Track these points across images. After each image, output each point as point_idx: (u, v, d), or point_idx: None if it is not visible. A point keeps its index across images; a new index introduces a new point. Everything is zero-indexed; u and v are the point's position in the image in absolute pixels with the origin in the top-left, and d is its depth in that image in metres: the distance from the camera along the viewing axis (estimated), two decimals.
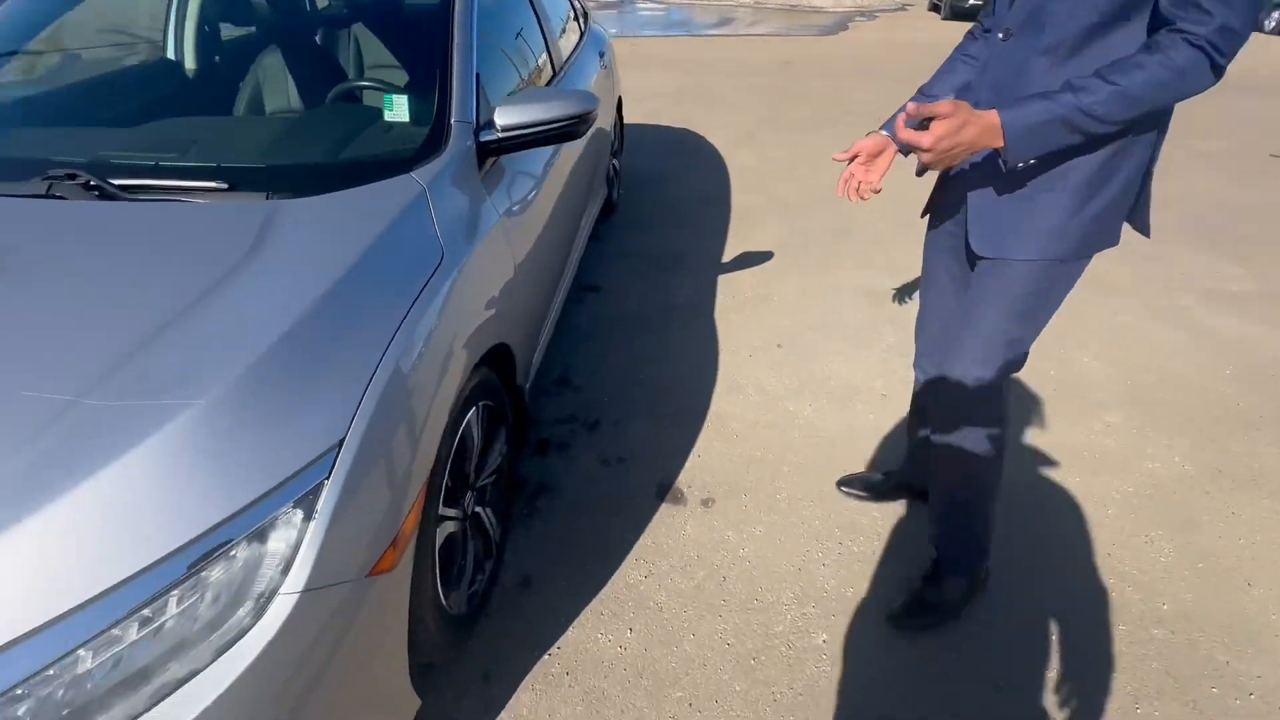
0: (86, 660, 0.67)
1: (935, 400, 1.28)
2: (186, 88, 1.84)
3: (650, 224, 3.50)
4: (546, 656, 1.39)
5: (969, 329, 1.14)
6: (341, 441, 0.86)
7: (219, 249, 1.05)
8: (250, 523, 0.77)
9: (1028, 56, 0.98)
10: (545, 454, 1.94)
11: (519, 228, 1.55)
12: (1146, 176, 1.05)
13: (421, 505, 1.01)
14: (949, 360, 1.18)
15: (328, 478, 0.83)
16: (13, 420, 0.77)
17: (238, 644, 0.74)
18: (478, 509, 1.42)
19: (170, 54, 1.92)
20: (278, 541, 0.79)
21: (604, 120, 2.86)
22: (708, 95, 6.60)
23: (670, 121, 5.50)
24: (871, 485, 1.75)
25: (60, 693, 0.66)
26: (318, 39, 1.96)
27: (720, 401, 2.17)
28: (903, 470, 1.70)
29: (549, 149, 1.89)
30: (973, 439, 1.21)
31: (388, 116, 1.43)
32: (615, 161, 3.55)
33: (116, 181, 1.18)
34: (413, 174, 1.27)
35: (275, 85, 1.66)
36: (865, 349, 2.44)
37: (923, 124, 0.93)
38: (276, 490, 0.80)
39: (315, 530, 0.81)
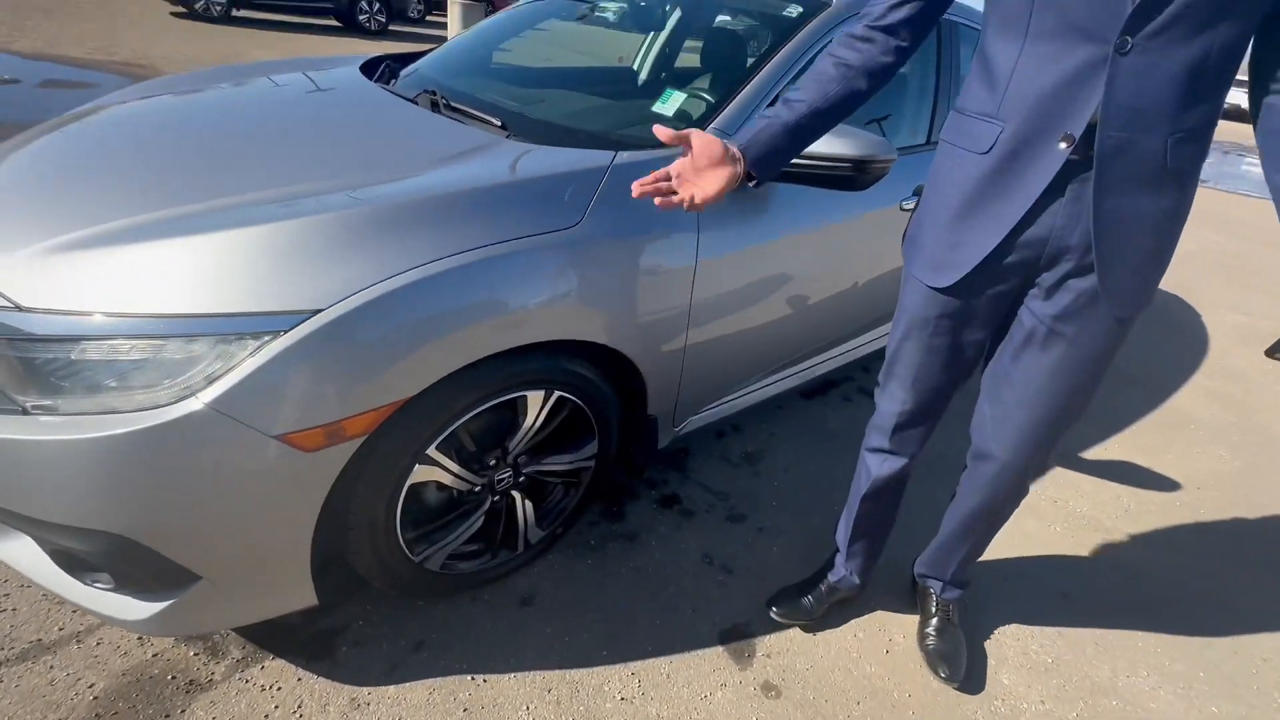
0: (80, 350, 0.87)
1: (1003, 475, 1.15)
2: (579, 75, 2.21)
3: None
4: (470, 679, 1.23)
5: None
6: (317, 312, 0.90)
7: (432, 152, 1.25)
8: (216, 329, 0.88)
9: (1169, 73, 0.77)
10: (666, 508, 1.70)
11: (725, 259, 1.36)
12: None
13: (382, 419, 0.98)
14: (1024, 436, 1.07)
15: (285, 331, 0.89)
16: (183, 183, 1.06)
17: (151, 410, 0.86)
18: (514, 492, 1.33)
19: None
20: (219, 357, 0.87)
21: None
22: (1248, 272, 4.72)
23: (1164, 284, 4.13)
24: (806, 609, 1.42)
25: (40, 360, 0.87)
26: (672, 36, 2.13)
27: (905, 599, 1.53)
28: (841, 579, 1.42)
29: (841, 213, 1.61)
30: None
31: (655, 107, 1.43)
32: None
33: (452, 104, 1.50)
34: (617, 154, 1.24)
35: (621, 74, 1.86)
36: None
37: None
38: (246, 316, 0.89)
39: (248, 367, 0.87)
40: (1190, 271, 4.47)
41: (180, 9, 9.42)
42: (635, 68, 2.19)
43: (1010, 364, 1.04)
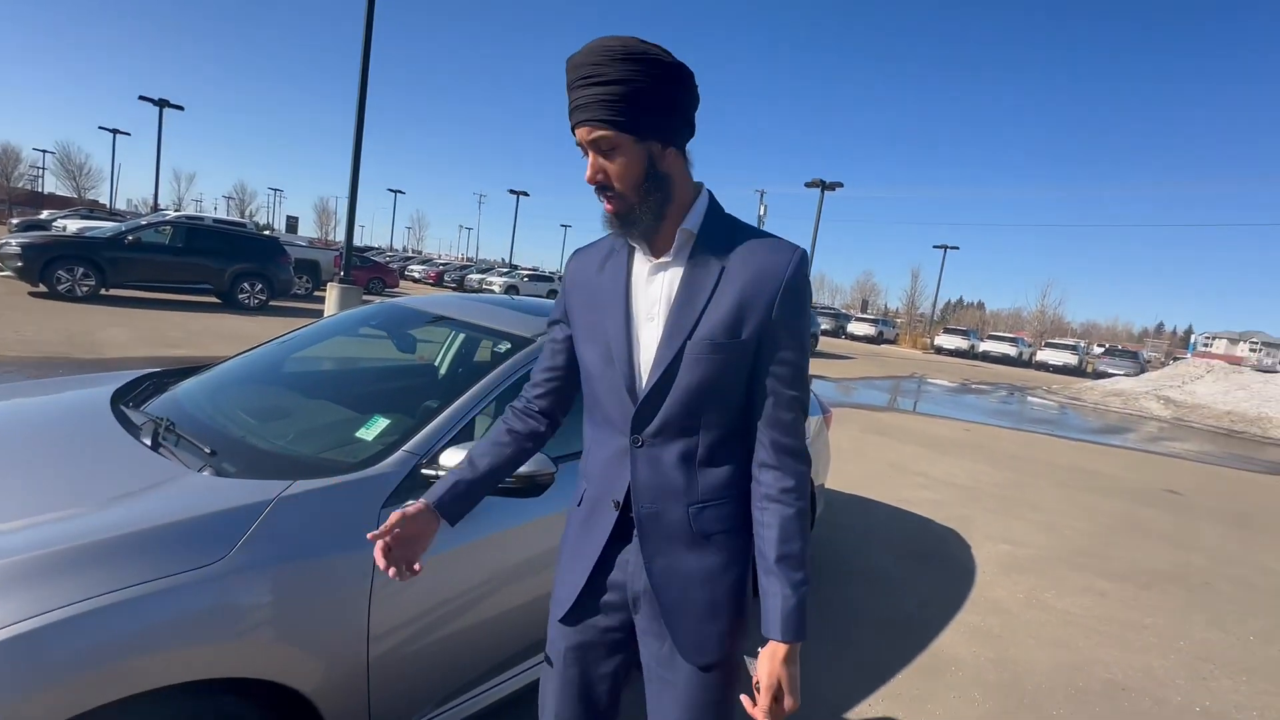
0: None
1: None
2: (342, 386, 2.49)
3: None
4: None
5: None
6: None
7: (107, 491, 1.34)
8: None
9: (672, 461, 1.01)
10: None
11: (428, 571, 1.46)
12: None
13: None
14: None
15: None
16: None
17: None
18: None
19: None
20: None
21: None
22: (1012, 501, 5.49)
23: (942, 519, 4.69)
24: None
25: None
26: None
27: None
28: None
29: (521, 516, 1.72)
30: None
31: (357, 433, 1.65)
32: None
33: (174, 430, 1.63)
34: (292, 484, 1.38)
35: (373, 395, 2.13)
36: None
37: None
38: None
39: None
40: (967, 506, 5.12)
41: (41, 289, 9.52)
42: (400, 383, 2.51)
43: (649, 704, 1.09)
